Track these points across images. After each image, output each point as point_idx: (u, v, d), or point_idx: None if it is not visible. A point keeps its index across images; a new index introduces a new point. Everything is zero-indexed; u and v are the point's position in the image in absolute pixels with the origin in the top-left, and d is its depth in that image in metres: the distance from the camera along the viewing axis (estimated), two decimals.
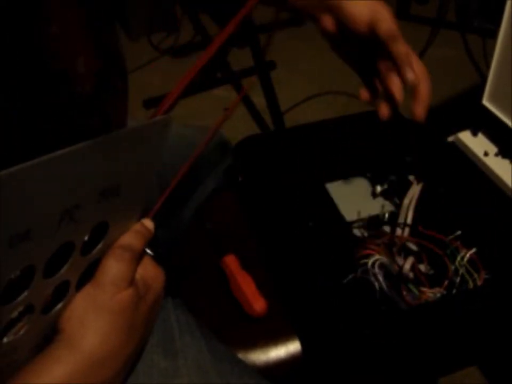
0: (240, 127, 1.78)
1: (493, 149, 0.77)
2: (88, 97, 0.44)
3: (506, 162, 0.75)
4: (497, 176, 0.72)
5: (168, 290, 0.49)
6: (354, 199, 0.73)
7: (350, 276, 0.60)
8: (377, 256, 0.61)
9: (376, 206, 0.72)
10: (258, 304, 0.64)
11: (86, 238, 0.37)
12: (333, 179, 0.75)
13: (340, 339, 0.58)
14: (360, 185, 0.76)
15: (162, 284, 0.44)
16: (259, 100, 1.79)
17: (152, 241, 0.44)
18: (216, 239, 0.73)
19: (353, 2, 0.59)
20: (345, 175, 0.76)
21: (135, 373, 0.48)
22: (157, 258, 0.45)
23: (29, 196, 0.30)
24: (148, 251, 0.45)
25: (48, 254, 0.35)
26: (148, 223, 0.44)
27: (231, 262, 0.68)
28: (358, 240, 0.66)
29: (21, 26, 0.37)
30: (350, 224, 0.69)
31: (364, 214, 0.69)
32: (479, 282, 0.60)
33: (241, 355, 0.62)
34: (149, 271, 0.43)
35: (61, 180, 0.32)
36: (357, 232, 0.68)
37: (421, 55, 1.91)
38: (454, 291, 0.60)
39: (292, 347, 0.63)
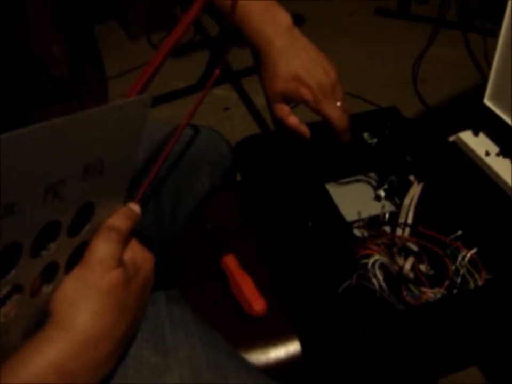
0: (240, 127, 1.78)
1: (494, 148, 0.76)
2: (65, 81, 0.45)
3: (507, 162, 0.74)
4: (498, 176, 0.72)
5: (160, 283, 0.49)
6: (355, 199, 0.73)
7: (350, 277, 0.59)
8: (377, 256, 0.61)
9: (377, 206, 0.71)
10: (258, 304, 0.64)
11: (71, 217, 0.38)
12: (333, 179, 0.75)
13: (340, 339, 0.58)
14: (360, 185, 0.76)
15: (151, 266, 0.44)
16: (259, 100, 1.79)
17: (140, 225, 0.45)
18: (216, 239, 0.73)
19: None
20: (345, 175, 0.76)
21: (125, 368, 0.48)
22: (144, 241, 0.45)
23: (13, 166, 0.31)
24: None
25: (35, 231, 0.35)
26: (135, 207, 0.45)
27: (231, 262, 0.68)
28: (358, 240, 0.66)
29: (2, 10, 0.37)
30: (350, 224, 0.68)
31: (364, 214, 0.68)
32: (480, 283, 0.60)
33: None
34: (138, 253, 0.43)
35: (44, 151, 0.32)
36: (357, 232, 0.68)
37: (422, 54, 1.91)
38: (455, 291, 0.60)
39: (292, 347, 0.63)
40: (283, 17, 0.68)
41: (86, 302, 0.39)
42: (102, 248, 0.40)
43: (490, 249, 0.62)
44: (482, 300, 0.60)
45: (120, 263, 0.41)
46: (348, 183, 0.76)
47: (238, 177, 0.86)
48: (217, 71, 0.65)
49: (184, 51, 2.02)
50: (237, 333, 0.64)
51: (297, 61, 0.68)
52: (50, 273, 0.39)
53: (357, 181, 0.76)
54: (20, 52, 0.42)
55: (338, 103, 0.70)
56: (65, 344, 0.37)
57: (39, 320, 0.40)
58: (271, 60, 0.68)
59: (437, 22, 1.92)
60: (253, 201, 0.77)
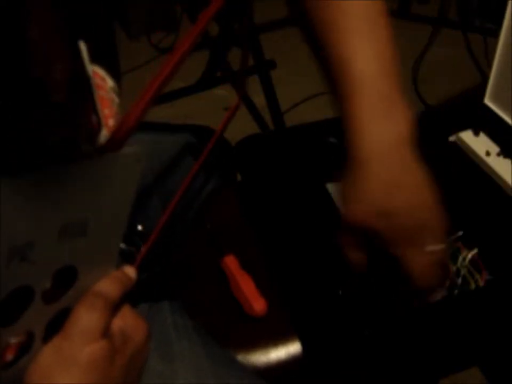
0: (240, 127, 1.78)
1: (494, 148, 0.76)
2: (61, 106, 0.43)
3: (508, 162, 0.74)
4: (499, 176, 0.72)
5: (165, 294, 0.49)
6: None
7: (350, 277, 0.59)
8: None
9: None
10: (258, 304, 0.63)
11: (48, 283, 0.34)
12: (333, 179, 0.75)
13: (340, 340, 0.58)
14: None
15: (144, 335, 0.41)
16: (259, 100, 1.79)
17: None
18: (216, 239, 0.73)
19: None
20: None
21: None
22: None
23: None
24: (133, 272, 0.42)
25: None
26: (129, 270, 0.41)
27: (231, 262, 0.68)
28: None
29: (1, 30, 0.36)
30: None
31: None
32: (480, 283, 0.60)
33: (241, 356, 0.62)
34: (128, 322, 0.40)
35: (11, 210, 0.28)
36: None
37: (422, 54, 1.91)
38: (456, 292, 0.59)
39: (292, 347, 0.63)
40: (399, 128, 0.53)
41: (63, 376, 0.35)
42: (85, 318, 0.36)
43: (491, 249, 0.62)
44: (483, 301, 0.59)
45: (105, 333, 0.37)
46: None
47: (238, 177, 0.85)
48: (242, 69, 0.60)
49: None
50: (237, 333, 0.63)
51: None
52: (26, 343, 0.35)
53: None
54: (24, 77, 0.40)
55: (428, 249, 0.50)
56: None
57: None
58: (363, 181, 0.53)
59: (437, 22, 1.92)
60: (253, 201, 0.77)
